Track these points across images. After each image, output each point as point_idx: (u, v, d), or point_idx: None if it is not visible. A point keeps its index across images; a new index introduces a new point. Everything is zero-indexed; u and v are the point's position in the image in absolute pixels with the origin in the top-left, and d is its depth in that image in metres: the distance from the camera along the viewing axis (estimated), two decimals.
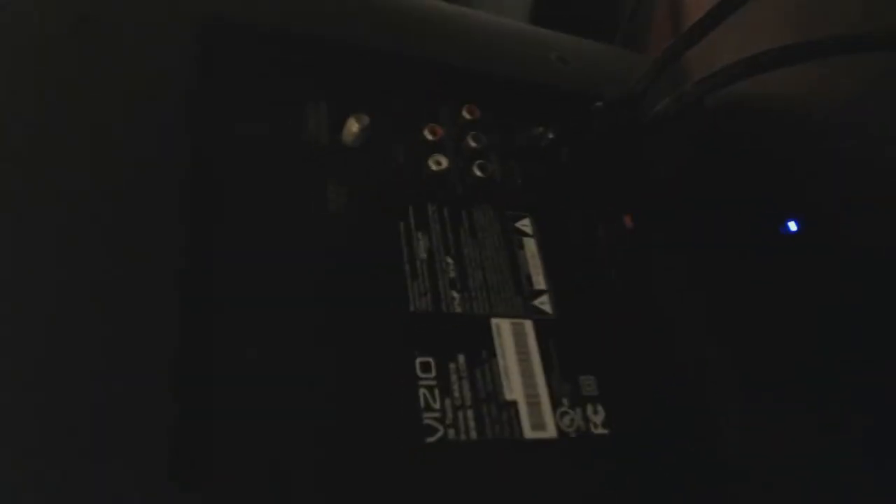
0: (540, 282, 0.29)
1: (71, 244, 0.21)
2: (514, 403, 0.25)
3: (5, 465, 0.17)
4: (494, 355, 0.26)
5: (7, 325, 0.19)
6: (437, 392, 0.24)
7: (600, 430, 0.26)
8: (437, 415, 0.24)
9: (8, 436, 0.18)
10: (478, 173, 0.30)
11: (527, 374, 0.26)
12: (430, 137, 0.30)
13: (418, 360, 0.24)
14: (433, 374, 0.24)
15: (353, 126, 0.28)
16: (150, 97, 0.25)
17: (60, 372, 0.19)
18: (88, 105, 0.24)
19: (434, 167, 0.29)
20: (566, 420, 0.26)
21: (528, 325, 0.27)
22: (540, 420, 0.25)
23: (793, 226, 0.40)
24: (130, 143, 0.23)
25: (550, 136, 0.32)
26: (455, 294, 0.27)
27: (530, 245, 0.30)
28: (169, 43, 0.26)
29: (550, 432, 0.25)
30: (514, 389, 0.25)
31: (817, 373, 0.32)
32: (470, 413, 0.24)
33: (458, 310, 0.26)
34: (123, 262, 0.21)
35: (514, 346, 0.26)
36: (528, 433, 0.25)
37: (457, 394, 0.24)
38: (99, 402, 0.19)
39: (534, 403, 0.25)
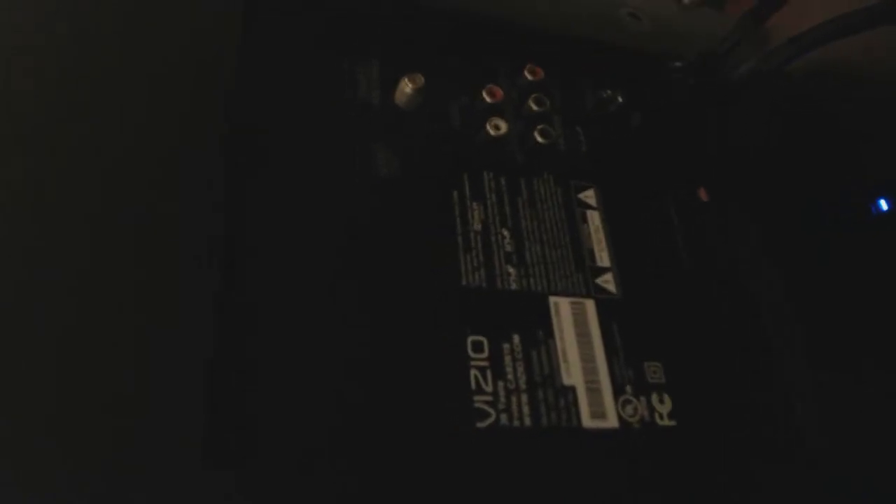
0: (604, 258, 0.26)
1: (109, 214, 0.20)
2: (572, 389, 0.23)
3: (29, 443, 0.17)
4: (552, 336, 0.24)
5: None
6: (489, 374, 0.22)
7: (666, 422, 0.24)
8: (488, 398, 0.22)
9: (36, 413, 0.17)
10: (539, 139, 0.27)
11: (587, 357, 0.24)
12: (488, 100, 0.28)
13: (470, 339, 0.23)
14: (485, 354, 0.23)
15: (406, 87, 0.26)
16: (196, 54, 0.23)
17: (91, 351, 0.18)
18: (132, 69, 0.22)
19: (492, 132, 0.27)
20: (629, 409, 0.24)
21: (590, 304, 0.25)
22: (600, 408, 0.23)
23: (884, 204, 0.36)
24: (178, 104, 0.22)
25: (620, 99, 0.29)
26: (511, 269, 0.25)
27: (594, 218, 0.27)
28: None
29: (611, 422, 0.23)
30: (572, 374, 0.23)
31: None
32: (524, 398, 0.22)
33: (514, 286, 0.24)
34: (166, 228, 0.20)
35: (573, 327, 0.24)
36: (587, 422, 0.23)
37: (510, 376, 0.23)
38: (128, 386, 0.18)
39: (594, 390, 0.23)
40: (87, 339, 0.18)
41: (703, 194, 0.29)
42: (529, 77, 0.29)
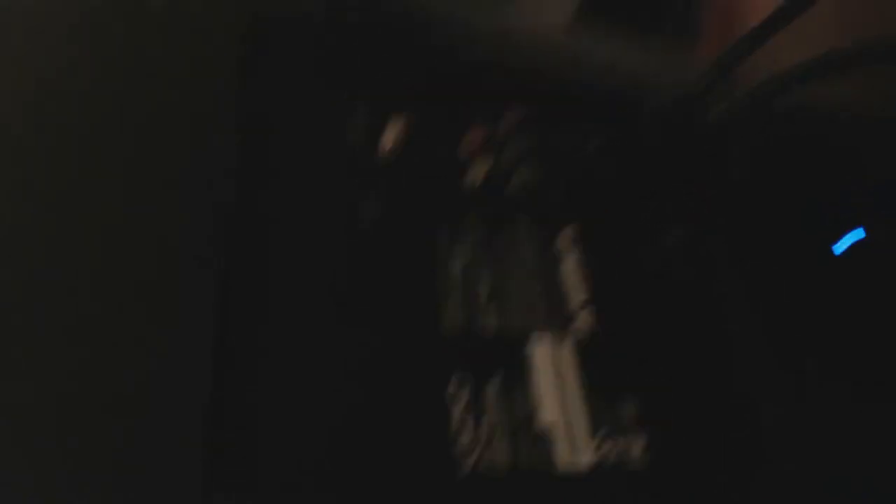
0: (581, 297, 0.27)
1: (103, 251, 0.21)
2: (549, 428, 0.24)
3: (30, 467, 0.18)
4: (531, 377, 0.25)
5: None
6: (470, 414, 0.23)
7: (641, 460, 0.25)
8: (469, 439, 0.23)
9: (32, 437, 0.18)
10: (518, 181, 0.29)
11: (564, 397, 0.25)
12: (469, 147, 0.29)
13: (451, 381, 0.24)
14: (466, 395, 0.24)
15: (390, 135, 0.27)
16: (193, 97, 0.24)
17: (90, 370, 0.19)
18: (131, 103, 0.23)
19: (473, 175, 0.28)
20: (605, 447, 0.24)
21: (568, 343, 0.26)
22: (577, 446, 0.24)
23: (857, 235, 0.37)
24: (175, 145, 0.23)
25: (597, 142, 0.31)
26: (490, 311, 0.26)
27: (571, 258, 0.28)
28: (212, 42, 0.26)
29: (588, 460, 0.24)
30: (550, 412, 0.24)
31: (882, 395, 0.30)
32: (504, 437, 0.23)
33: (494, 326, 0.25)
34: (159, 269, 0.21)
35: (550, 367, 0.25)
36: (565, 460, 0.24)
37: (491, 417, 0.23)
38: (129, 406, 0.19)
39: (571, 427, 0.24)
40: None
41: (678, 232, 0.30)
42: (509, 121, 0.30)
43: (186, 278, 0.21)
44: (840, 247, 0.34)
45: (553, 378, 0.25)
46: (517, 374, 0.25)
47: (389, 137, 0.27)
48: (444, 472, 0.22)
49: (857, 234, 0.37)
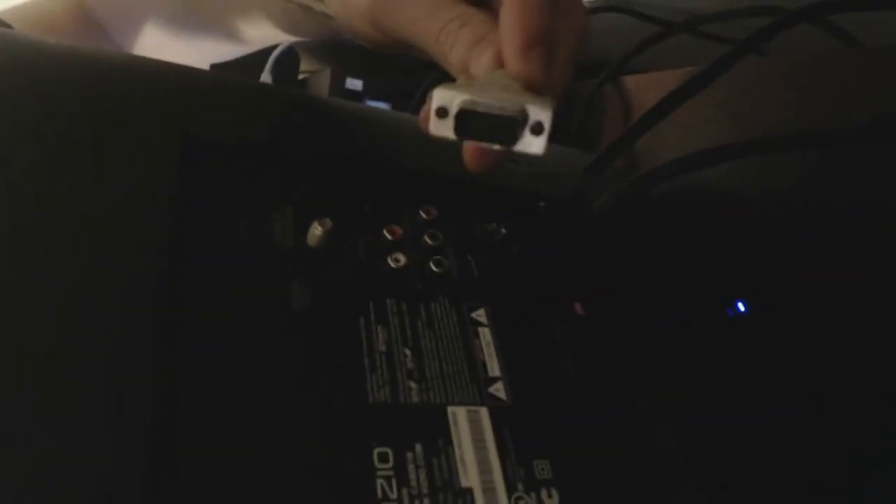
0: (495, 369, 0.30)
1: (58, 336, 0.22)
2: (469, 490, 0.26)
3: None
4: (451, 443, 0.27)
5: None
6: (394, 482, 0.25)
7: None
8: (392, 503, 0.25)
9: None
10: (435, 269, 0.32)
11: (482, 460, 0.27)
12: (389, 237, 0.32)
13: (376, 451, 0.26)
14: (390, 463, 0.26)
15: (316, 230, 0.30)
16: (131, 207, 0.27)
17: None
18: (74, 213, 0.26)
19: (393, 264, 0.31)
20: None
21: (484, 412, 0.29)
22: None
23: (741, 307, 0.42)
24: (112, 245, 0.25)
25: (503, 231, 0.35)
26: (412, 384, 0.28)
27: (486, 334, 0.31)
28: (147, 158, 0.29)
29: None
30: (469, 476, 0.26)
31: (775, 459, 0.33)
32: (427, 501, 0.25)
33: (416, 399, 0.28)
34: (99, 355, 0.23)
35: (469, 434, 0.28)
36: None
37: (413, 483, 0.25)
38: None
39: (489, 490, 0.26)
40: None
41: (578, 308, 0.34)
42: (424, 216, 0.34)
43: (121, 364, 0.23)
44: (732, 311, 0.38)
45: (472, 444, 0.27)
46: (438, 441, 0.27)
47: (315, 234, 0.30)
48: None
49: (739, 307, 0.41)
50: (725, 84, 0.40)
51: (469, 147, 0.26)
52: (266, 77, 0.66)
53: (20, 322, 0.22)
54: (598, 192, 0.36)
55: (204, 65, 0.54)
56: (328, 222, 0.30)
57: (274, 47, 0.65)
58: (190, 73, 0.34)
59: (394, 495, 0.25)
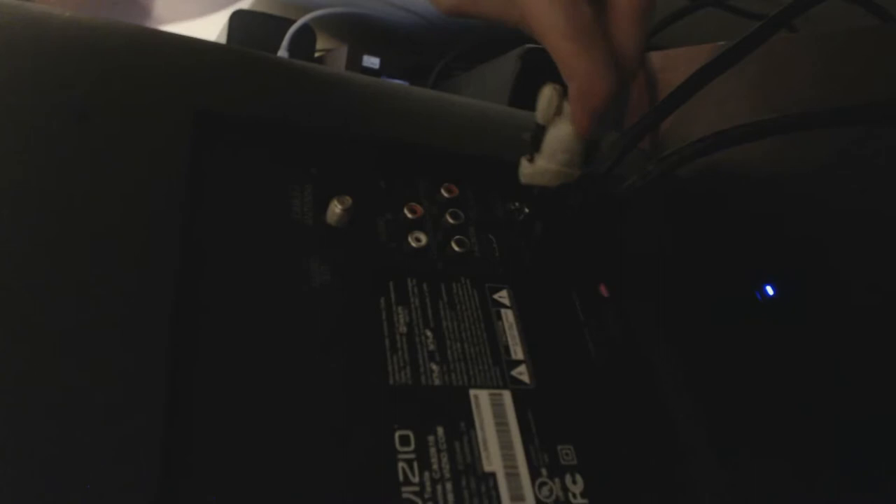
0: (518, 352, 0.29)
1: (71, 328, 0.22)
2: (492, 475, 0.25)
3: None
4: (473, 426, 0.26)
5: None
6: (415, 465, 0.25)
7: (579, 501, 0.26)
8: (415, 488, 0.24)
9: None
10: (456, 248, 0.31)
11: (505, 444, 0.26)
12: (410, 216, 0.31)
13: (398, 434, 0.25)
14: (412, 447, 0.25)
15: (336, 208, 0.29)
16: (145, 185, 0.26)
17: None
18: (90, 191, 0.25)
19: (414, 244, 0.30)
20: (545, 491, 0.26)
21: (507, 395, 0.28)
22: (518, 491, 0.25)
23: (770, 290, 0.41)
24: (128, 225, 0.25)
25: (527, 210, 0.34)
26: (434, 366, 0.27)
27: (508, 316, 0.31)
28: (163, 132, 0.28)
29: (529, 503, 0.25)
30: (492, 461, 0.26)
31: (799, 442, 0.32)
32: (449, 486, 0.25)
33: (437, 382, 0.27)
34: (117, 340, 0.22)
35: (492, 417, 0.27)
36: None
37: (435, 466, 0.25)
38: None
39: (512, 474, 0.26)
40: None
41: (603, 290, 0.33)
42: (446, 194, 0.33)
43: (139, 342, 0.22)
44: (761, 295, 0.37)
45: (494, 427, 0.27)
46: (460, 424, 0.26)
47: (334, 212, 0.29)
48: None
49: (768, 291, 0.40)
50: (757, 60, 0.38)
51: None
52: (282, 55, 0.65)
53: (36, 291, 0.22)
54: (625, 171, 0.34)
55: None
56: (348, 200, 0.29)
57: (290, 24, 0.64)
58: (204, 47, 0.33)
59: (415, 479, 0.24)
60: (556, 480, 0.26)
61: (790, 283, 0.39)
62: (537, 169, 0.29)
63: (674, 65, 0.50)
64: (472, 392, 0.27)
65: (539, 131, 0.29)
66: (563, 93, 0.27)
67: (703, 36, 0.51)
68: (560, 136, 0.28)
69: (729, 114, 0.46)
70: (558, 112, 0.28)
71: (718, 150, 0.33)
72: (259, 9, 0.69)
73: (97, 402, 0.21)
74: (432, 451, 0.25)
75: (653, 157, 0.39)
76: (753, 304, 0.39)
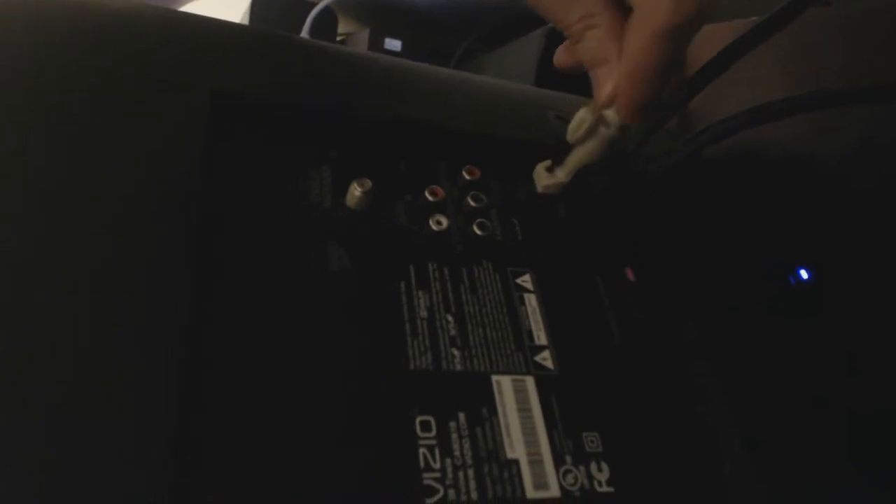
0: (541, 337, 0.29)
1: (80, 301, 0.22)
2: (515, 462, 0.25)
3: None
4: (495, 413, 0.26)
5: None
6: (437, 451, 0.24)
7: (605, 489, 0.26)
8: (437, 475, 0.24)
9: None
10: (478, 232, 0.30)
11: (528, 431, 0.26)
12: (430, 199, 0.31)
13: (418, 419, 0.25)
14: (433, 432, 0.25)
15: (355, 190, 0.29)
16: (161, 163, 0.26)
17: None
18: (105, 168, 0.25)
19: (435, 227, 0.30)
20: (569, 478, 0.25)
21: (530, 381, 0.27)
22: (542, 479, 0.25)
23: (804, 274, 0.39)
24: (142, 202, 0.25)
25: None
26: (455, 351, 0.27)
27: (531, 301, 0.30)
28: (180, 112, 0.28)
29: (553, 491, 0.25)
30: (515, 447, 0.25)
31: (829, 430, 0.31)
32: (471, 472, 0.24)
33: (459, 367, 0.27)
34: (129, 318, 0.22)
35: (515, 403, 0.26)
36: (531, 493, 0.24)
37: (457, 453, 0.24)
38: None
39: (536, 462, 0.25)
40: None
41: (629, 274, 0.32)
42: (467, 177, 0.32)
43: (156, 333, 0.22)
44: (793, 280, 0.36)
45: (517, 414, 0.26)
46: (482, 411, 0.26)
47: (354, 195, 0.29)
48: None
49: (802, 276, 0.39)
50: (787, 37, 0.37)
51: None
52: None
53: (49, 275, 0.22)
54: (651, 152, 0.33)
55: None
56: (367, 183, 0.29)
57: (311, 7, 0.64)
58: (227, 28, 0.33)
59: (436, 465, 0.24)
60: (581, 468, 0.26)
61: (822, 269, 0.38)
62: (556, 180, 0.30)
63: (699, 42, 0.49)
64: (495, 378, 0.27)
65: (566, 147, 0.30)
66: (599, 117, 0.28)
67: (729, 13, 0.49)
68: (585, 157, 0.29)
69: (759, 93, 0.44)
70: (589, 133, 0.28)
71: (752, 127, 0.32)
72: None
73: (112, 377, 0.21)
74: (454, 437, 0.25)
75: (680, 136, 0.38)
76: (787, 289, 0.38)
